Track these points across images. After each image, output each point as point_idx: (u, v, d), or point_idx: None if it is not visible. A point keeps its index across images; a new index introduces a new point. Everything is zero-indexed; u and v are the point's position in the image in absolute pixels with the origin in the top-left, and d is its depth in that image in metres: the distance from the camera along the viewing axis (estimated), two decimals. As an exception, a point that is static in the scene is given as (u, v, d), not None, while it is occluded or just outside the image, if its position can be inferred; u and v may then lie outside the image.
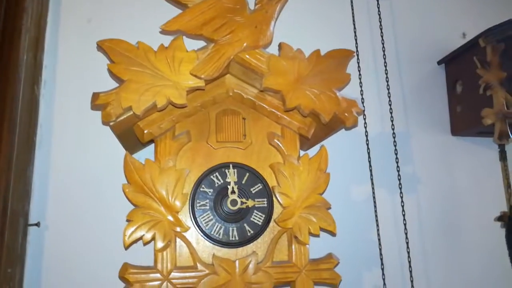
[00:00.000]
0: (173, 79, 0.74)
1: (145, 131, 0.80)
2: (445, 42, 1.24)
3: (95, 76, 1.01)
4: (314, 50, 0.81)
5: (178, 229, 0.77)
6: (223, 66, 0.76)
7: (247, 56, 0.78)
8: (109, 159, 0.98)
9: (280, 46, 0.81)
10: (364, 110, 0.95)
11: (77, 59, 1.02)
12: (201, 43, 0.81)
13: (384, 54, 1.06)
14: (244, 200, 0.81)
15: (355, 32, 1.06)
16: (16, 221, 0.89)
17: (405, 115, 1.16)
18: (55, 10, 1.04)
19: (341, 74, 0.82)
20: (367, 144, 0.99)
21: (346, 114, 0.79)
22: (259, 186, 0.83)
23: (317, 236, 0.81)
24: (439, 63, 1.22)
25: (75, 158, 0.97)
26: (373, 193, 0.98)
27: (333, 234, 0.82)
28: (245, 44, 0.77)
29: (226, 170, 0.83)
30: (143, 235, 0.75)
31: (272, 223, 0.82)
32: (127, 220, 0.75)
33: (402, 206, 0.97)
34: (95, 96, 0.72)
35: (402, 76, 1.18)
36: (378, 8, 1.09)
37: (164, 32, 0.76)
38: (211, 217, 0.81)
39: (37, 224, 0.92)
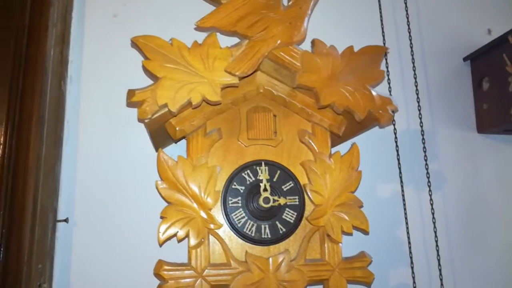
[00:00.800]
0: (208, 76, 0.74)
1: (177, 128, 0.79)
2: (470, 39, 1.23)
3: (121, 71, 1.01)
4: (348, 47, 0.80)
5: (211, 226, 0.77)
6: (258, 63, 0.75)
7: (281, 52, 0.77)
8: (135, 154, 0.98)
9: (313, 42, 0.80)
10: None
11: (103, 54, 1.02)
12: (234, 40, 0.80)
13: (411, 51, 1.05)
14: (276, 198, 0.80)
15: (382, 28, 1.05)
16: (46, 217, 0.90)
17: (431, 112, 1.15)
18: (80, 5, 1.04)
19: (375, 71, 0.81)
20: (396, 142, 0.98)
21: (380, 111, 0.79)
22: (290, 184, 0.83)
23: (350, 234, 0.80)
24: (464, 59, 1.21)
25: (102, 154, 0.96)
26: (402, 190, 0.97)
27: (365, 232, 0.82)
28: (279, 41, 0.76)
29: (257, 168, 0.82)
30: (177, 232, 0.75)
31: (304, 221, 0.82)
32: (161, 217, 0.75)
33: (431, 204, 0.97)
34: (131, 93, 0.71)
35: (427, 72, 1.17)
36: (406, 3, 1.08)
37: (198, 28, 0.75)
38: (243, 214, 0.80)
39: (66, 220, 0.92)
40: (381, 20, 1.06)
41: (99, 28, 1.03)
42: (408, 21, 1.07)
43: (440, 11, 1.23)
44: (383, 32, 1.05)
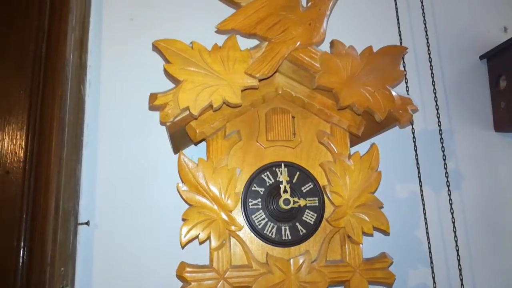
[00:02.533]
0: (228, 79, 0.74)
1: (197, 131, 0.80)
2: (486, 37, 1.22)
3: (138, 75, 1.02)
4: (367, 47, 0.80)
5: (232, 228, 0.77)
6: (278, 64, 0.75)
7: (301, 54, 0.77)
8: (154, 156, 0.98)
9: (332, 43, 0.80)
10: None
11: (121, 58, 1.03)
12: (252, 42, 0.81)
13: (428, 50, 1.05)
14: (296, 199, 0.80)
15: (399, 28, 1.05)
16: (67, 220, 0.91)
17: (448, 111, 1.14)
18: (97, 10, 1.05)
19: (394, 71, 0.81)
20: (414, 141, 0.98)
21: (400, 111, 0.78)
22: (310, 185, 0.83)
23: (371, 235, 0.80)
24: (481, 58, 1.20)
25: (122, 156, 0.97)
26: (421, 190, 0.97)
27: (386, 233, 0.81)
28: (298, 42, 0.76)
29: (277, 169, 0.82)
30: (199, 234, 0.75)
31: (324, 222, 0.82)
32: (183, 219, 0.76)
33: (451, 204, 0.96)
34: (153, 96, 0.72)
35: (444, 71, 1.16)
36: (422, 2, 1.08)
37: (219, 31, 0.75)
38: (264, 216, 0.80)
39: (87, 223, 0.93)
40: (397, 20, 1.06)
41: (116, 32, 1.04)
42: (424, 19, 1.07)
43: (456, 9, 1.23)
44: (399, 31, 1.05)
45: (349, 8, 1.14)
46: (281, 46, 0.76)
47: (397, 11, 1.07)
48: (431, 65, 1.04)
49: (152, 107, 0.72)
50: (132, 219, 0.94)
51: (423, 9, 1.08)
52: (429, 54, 1.06)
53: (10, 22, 0.95)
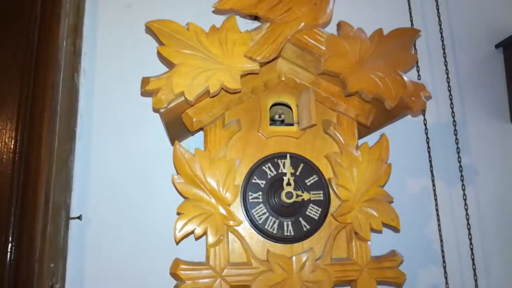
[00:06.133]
0: (226, 63, 0.69)
1: (194, 119, 0.75)
2: (502, 25, 1.16)
3: (136, 63, 0.97)
4: (376, 30, 0.75)
5: (231, 222, 0.72)
6: (280, 47, 0.70)
7: (305, 36, 0.72)
8: (151, 148, 0.94)
9: (339, 25, 0.74)
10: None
11: (117, 45, 0.98)
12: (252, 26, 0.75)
13: (441, 36, 0.99)
14: (299, 192, 0.75)
15: (410, 13, 0.99)
16: (58, 214, 0.86)
17: (462, 101, 1.08)
18: (93, -5, 1.00)
19: (406, 55, 0.75)
20: (426, 133, 0.92)
21: (413, 98, 0.73)
22: (314, 178, 0.77)
23: (380, 232, 0.75)
24: (496, 46, 1.14)
25: (116, 148, 0.93)
26: (433, 185, 0.91)
27: (396, 230, 0.76)
28: (303, 23, 0.71)
29: (279, 161, 0.77)
30: (195, 229, 0.70)
31: (329, 218, 0.76)
32: (178, 213, 0.71)
33: (465, 200, 0.90)
34: (145, 81, 0.67)
35: (457, 60, 1.10)
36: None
37: (217, 11, 0.70)
38: (264, 210, 0.75)
39: (79, 217, 0.88)
40: (409, 4, 1.00)
41: (113, 19, 0.99)
42: (437, 4, 1.01)
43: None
44: (411, 16, 0.99)
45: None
46: (284, 27, 0.70)
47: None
48: (444, 52, 0.98)
49: (144, 92, 0.67)
50: (127, 213, 0.89)
51: (435, -6, 1.02)
52: (442, 41, 1.00)
53: (1, 6, 0.91)
